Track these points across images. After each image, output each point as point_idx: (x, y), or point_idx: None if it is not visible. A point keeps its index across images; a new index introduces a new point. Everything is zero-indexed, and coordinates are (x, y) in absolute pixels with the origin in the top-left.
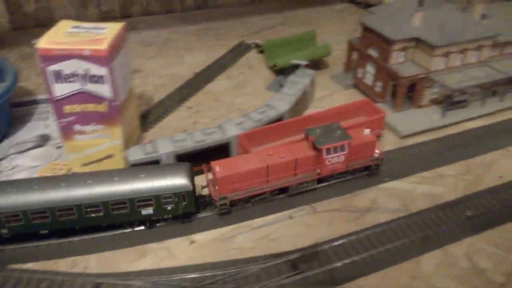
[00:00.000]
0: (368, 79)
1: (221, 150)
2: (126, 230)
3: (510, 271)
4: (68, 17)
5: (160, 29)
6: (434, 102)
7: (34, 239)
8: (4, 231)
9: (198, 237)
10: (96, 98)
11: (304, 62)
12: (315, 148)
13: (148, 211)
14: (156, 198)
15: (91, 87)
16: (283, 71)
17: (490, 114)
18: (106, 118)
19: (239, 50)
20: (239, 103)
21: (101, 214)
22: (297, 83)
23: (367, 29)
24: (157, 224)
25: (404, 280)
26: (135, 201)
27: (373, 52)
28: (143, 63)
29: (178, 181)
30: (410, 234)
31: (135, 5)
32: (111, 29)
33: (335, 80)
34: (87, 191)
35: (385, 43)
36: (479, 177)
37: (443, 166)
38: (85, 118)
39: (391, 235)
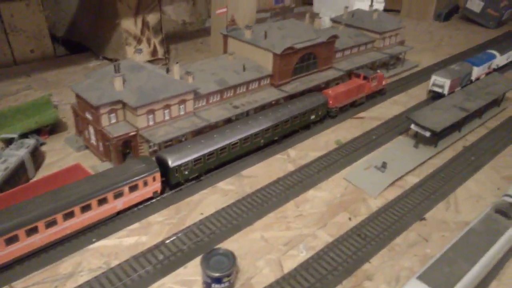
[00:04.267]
0: (93, 140)
1: None
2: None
3: None
4: None
5: None
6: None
7: None
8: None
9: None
10: None
11: (14, 135)
12: (364, 78)
13: (313, 116)
14: (317, 108)
15: None
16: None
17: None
18: None
19: None
20: None
21: (299, 120)
22: (11, 156)
23: (78, 95)
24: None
25: None
26: (309, 111)
27: (89, 116)
28: None
29: (321, 97)
30: None
31: None
32: None
33: (69, 143)
34: (284, 111)
35: (92, 108)
36: (184, 217)
37: (153, 215)
38: None
39: None
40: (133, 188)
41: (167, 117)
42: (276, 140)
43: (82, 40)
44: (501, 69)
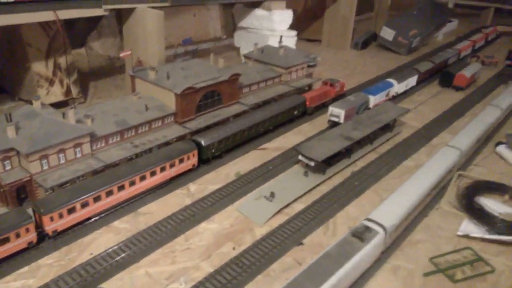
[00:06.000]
0: None
1: None
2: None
3: None
4: None
5: None
6: None
7: None
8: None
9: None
10: None
11: None
12: (331, 85)
13: (296, 111)
14: (298, 106)
15: None
16: None
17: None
18: None
19: None
20: None
21: (286, 114)
22: None
23: None
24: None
25: None
26: (293, 108)
27: None
28: None
29: (301, 98)
30: None
31: None
32: None
33: None
34: (276, 108)
35: None
36: (73, 259)
37: (43, 257)
38: None
39: None
40: (181, 161)
41: (62, 161)
42: (270, 129)
43: None
44: (402, 95)
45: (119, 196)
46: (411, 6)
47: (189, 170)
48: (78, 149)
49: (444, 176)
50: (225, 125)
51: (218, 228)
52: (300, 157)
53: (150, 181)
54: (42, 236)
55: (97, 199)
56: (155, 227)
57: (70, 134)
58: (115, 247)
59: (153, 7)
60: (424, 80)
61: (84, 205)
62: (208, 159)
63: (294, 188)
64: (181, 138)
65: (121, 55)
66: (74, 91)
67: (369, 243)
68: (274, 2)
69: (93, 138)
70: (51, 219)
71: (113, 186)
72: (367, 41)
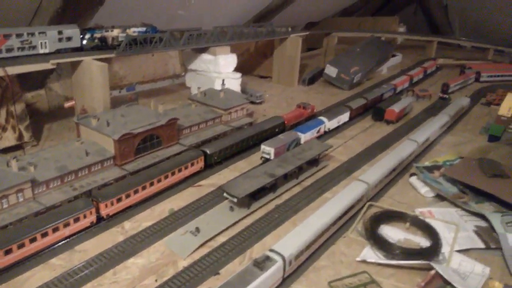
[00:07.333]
0: None
1: None
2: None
3: None
4: None
5: None
6: None
7: None
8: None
9: None
10: None
11: None
12: (303, 108)
13: (277, 129)
14: (279, 124)
15: None
16: None
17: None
18: None
19: None
20: None
21: (269, 131)
22: None
23: None
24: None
25: None
26: (275, 126)
27: None
28: None
29: (281, 118)
30: None
31: None
32: None
33: None
34: (261, 126)
35: None
36: None
37: None
38: None
39: None
40: (192, 164)
41: (5, 206)
42: (256, 143)
43: None
44: (335, 130)
45: (150, 190)
46: (358, 41)
47: (198, 172)
48: (20, 194)
49: (349, 208)
50: (224, 138)
51: (145, 262)
52: (224, 194)
53: (171, 179)
54: (98, 219)
55: (135, 191)
56: (88, 263)
57: (12, 182)
58: (49, 282)
59: (98, 59)
60: (358, 115)
61: (127, 196)
62: (211, 164)
63: (219, 222)
64: (119, 179)
65: (66, 105)
66: (26, 135)
67: (267, 271)
68: (218, 47)
69: (34, 183)
70: (106, 206)
71: (146, 183)
72: (315, 77)
